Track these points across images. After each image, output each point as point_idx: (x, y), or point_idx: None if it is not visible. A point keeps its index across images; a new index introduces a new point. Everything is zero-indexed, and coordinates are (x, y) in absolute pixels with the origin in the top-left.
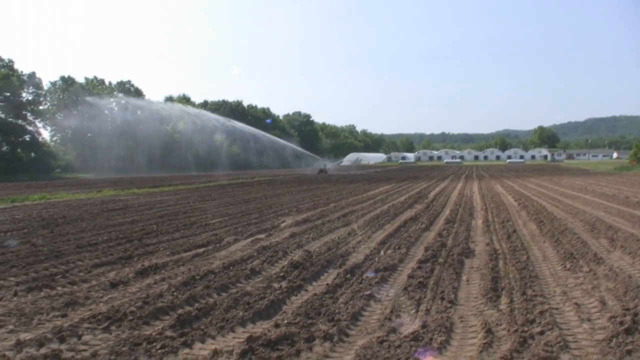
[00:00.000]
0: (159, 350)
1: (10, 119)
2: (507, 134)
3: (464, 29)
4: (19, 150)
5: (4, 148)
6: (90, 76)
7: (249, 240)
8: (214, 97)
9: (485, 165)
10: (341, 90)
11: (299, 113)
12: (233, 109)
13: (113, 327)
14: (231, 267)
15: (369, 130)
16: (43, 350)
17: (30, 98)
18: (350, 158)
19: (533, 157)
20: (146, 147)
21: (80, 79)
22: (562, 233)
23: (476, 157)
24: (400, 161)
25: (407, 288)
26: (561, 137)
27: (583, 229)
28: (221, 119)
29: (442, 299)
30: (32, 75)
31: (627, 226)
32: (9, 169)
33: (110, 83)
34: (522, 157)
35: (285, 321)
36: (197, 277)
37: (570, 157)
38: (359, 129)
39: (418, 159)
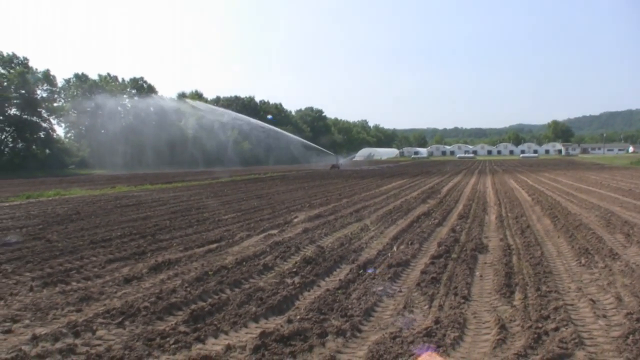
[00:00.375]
0: (173, 346)
1: (26, 116)
2: (521, 128)
3: (477, 22)
4: (33, 146)
5: (19, 144)
6: (104, 73)
7: (262, 235)
8: (227, 93)
9: (498, 160)
10: (354, 85)
11: (311, 108)
12: (245, 105)
13: (127, 322)
14: (244, 263)
15: (381, 126)
16: (58, 345)
17: (44, 95)
18: (362, 153)
19: (547, 151)
20: (159, 144)
21: (93, 76)
22: (577, 228)
23: (489, 152)
24: (412, 156)
25: (420, 284)
26: (576, 131)
27: (598, 224)
28: (232, 115)
29: (455, 294)
30: (46, 72)
31: None
32: (24, 165)
33: (123, 80)
34: (535, 151)
35: (298, 317)
36: (210, 273)
37: (585, 151)
38: (371, 124)
39: (431, 154)
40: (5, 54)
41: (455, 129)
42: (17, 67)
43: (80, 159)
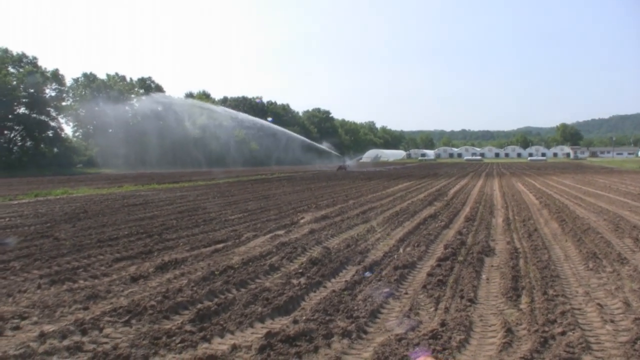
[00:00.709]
0: (179, 345)
1: (34, 115)
2: (529, 131)
3: (487, 23)
4: (42, 145)
5: (28, 143)
6: (112, 73)
7: (268, 236)
8: (234, 93)
9: (506, 163)
10: (361, 86)
11: (318, 109)
12: (253, 105)
13: (133, 321)
14: (250, 263)
15: (388, 127)
16: (65, 342)
17: (53, 94)
18: (369, 155)
19: (555, 154)
20: (166, 144)
21: (102, 75)
22: (585, 232)
23: (497, 155)
24: (419, 158)
25: (426, 286)
26: (584, 134)
27: (607, 228)
28: (240, 115)
29: (462, 297)
30: (55, 72)
31: None
32: (32, 163)
33: (131, 79)
34: (544, 154)
35: (304, 317)
36: (216, 273)
37: (593, 154)
38: (378, 125)
39: (438, 156)
40: (14, 53)
41: (463, 131)
42: (27, 67)
43: (87, 158)
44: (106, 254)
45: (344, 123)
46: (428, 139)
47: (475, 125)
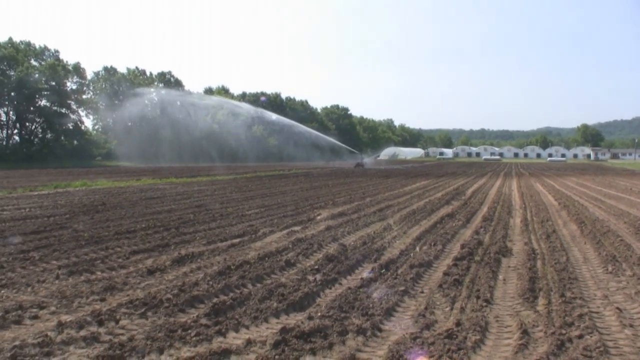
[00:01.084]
0: (194, 338)
1: (55, 108)
2: (549, 131)
3: (508, 23)
4: (62, 137)
5: (49, 135)
6: (132, 66)
7: (285, 232)
8: (253, 88)
9: (525, 163)
10: (380, 84)
11: (337, 106)
12: (271, 101)
13: (149, 313)
14: (266, 258)
15: (406, 125)
16: (82, 333)
17: (74, 87)
18: (387, 152)
19: (575, 155)
20: (184, 138)
21: (122, 69)
22: (605, 235)
23: (516, 155)
24: (437, 157)
25: (442, 285)
26: (606, 135)
27: (627, 232)
28: (259, 111)
29: (478, 297)
30: (76, 65)
31: None
32: (52, 155)
33: (151, 74)
34: (563, 155)
35: (319, 314)
36: (232, 267)
37: (615, 156)
38: (397, 123)
39: (456, 154)
40: (37, 47)
41: (482, 130)
42: (49, 60)
43: (106, 151)
44: (123, 246)
45: (362, 120)
46: (446, 138)
47: (494, 124)
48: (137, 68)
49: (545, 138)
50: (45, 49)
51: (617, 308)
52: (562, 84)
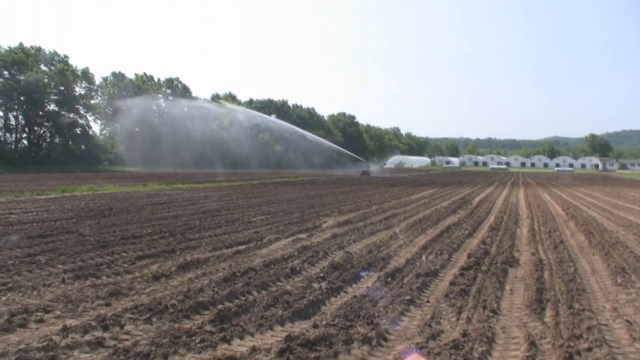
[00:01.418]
0: (198, 344)
1: (64, 112)
2: (556, 141)
3: (515, 32)
4: (70, 142)
5: (57, 140)
6: (140, 72)
7: (290, 239)
8: (260, 95)
9: (532, 173)
10: (387, 92)
11: (343, 114)
12: (278, 108)
13: (154, 319)
14: (272, 266)
15: (413, 133)
16: (87, 337)
17: (82, 92)
18: (393, 160)
19: (583, 165)
20: (191, 144)
21: (130, 74)
22: (613, 246)
23: (523, 164)
24: (444, 165)
25: (449, 295)
26: (614, 145)
27: (636, 243)
28: (266, 118)
29: (484, 307)
30: (85, 70)
31: None
32: (60, 160)
33: (159, 79)
34: (571, 165)
35: (324, 322)
36: (237, 274)
37: (623, 166)
38: (403, 131)
39: (463, 163)
40: (47, 52)
41: (489, 139)
42: (58, 65)
43: (113, 156)
44: (129, 252)
45: (368, 128)
46: (453, 147)
47: (501, 133)
48: (145, 74)
49: (552, 147)
50: (55, 54)
51: (627, 321)
52: (570, 93)
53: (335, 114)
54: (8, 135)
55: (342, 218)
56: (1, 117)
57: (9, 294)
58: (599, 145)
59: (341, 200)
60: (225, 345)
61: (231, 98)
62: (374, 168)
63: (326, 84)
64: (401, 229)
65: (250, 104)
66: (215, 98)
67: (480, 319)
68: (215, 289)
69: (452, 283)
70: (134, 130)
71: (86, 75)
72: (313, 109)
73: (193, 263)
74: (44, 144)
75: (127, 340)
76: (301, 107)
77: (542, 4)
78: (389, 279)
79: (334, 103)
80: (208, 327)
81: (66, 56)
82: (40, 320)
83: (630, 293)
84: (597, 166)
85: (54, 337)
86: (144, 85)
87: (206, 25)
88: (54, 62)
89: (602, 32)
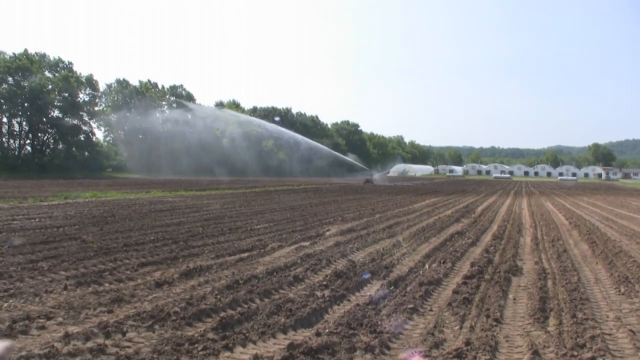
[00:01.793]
0: (201, 352)
1: (67, 119)
2: (560, 150)
3: (518, 41)
4: (73, 149)
5: (60, 146)
6: (144, 79)
7: (294, 247)
8: (264, 103)
9: (535, 182)
10: (390, 100)
11: (347, 122)
12: (282, 116)
13: (157, 326)
14: (275, 273)
15: (416, 142)
16: (89, 344)
17: (86, 99)
18: (397, 169)
19: (586, 175)
20: (194, 151)
21: (134, 81)
22: (617, 255)
23: (526, 173)
24: (447, 174)
25: (452, 303)
26: (617, 155)
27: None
28: (269, 126)
29: (488, 316)
30: (89, 77)
31: None
32: (63, 166)
33: (163, 87)
34: (574, 174)
35: (327, 330)
36: (240, 282)
37: (626, 176)
38: (407, 140)
39: (466, 172)
40: (52, 58)
41: (492, 148)
42: (62, 71)
43: (117, 163)
44: (132, 259)
45: (372, 136)
46: (456, 155)
47: (505, 142)
48: (149, 81)
49: (556, 157)
50: (60, 60)
51: (631, 330)
52: (573, 102)
53: (339, 122)
54: (12, 141)
55: (345, 226)
56: (5, 123)
57: (11, 300)
58: (602, 155)
59: (344, 208)
60: (227, 353)
61: (235, 105)
62: (377, 176)
63: (330, 92)
64: (404, 237)
65: (254, 111)
66: (219, 105)
67: (484, 328)
68: (218, 297)
69: (455, 292)
70: (137, 137)
71: (90, 82)
72: (317, 117)
73: (196, 270)
74: (48, 150)
75: (129, 347)
76: (305, 114)
77: (545, 12)
78: (392, 287)
79: (337, 111)
80: (210, 335)
81: (70, 63)
82: (42, 327)
83: (633, 302)
84: (600, 175)
85: (55, 344)
86: (147, 92)
87: (211, 33)
88: (58, 69)
89: (605, 41)
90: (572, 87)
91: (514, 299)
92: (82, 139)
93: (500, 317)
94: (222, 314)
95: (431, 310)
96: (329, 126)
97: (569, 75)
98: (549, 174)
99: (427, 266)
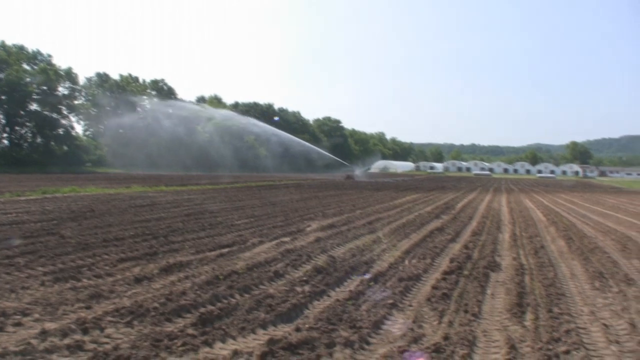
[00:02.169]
0: (180, 348)
1: (46, 113)
2: (539, 148)
3: (497, 37)
4: (52, 143)
5: (38, 140)
6: (125, 73)
7: (274, 242)
8: (246, 98)
9: (514, 179)
10: (372, 97)
11: (329, 118)
12: (264, 112)
13: (135, 322)
14: (255, 269)
15: (398, 139)
16: (66, 341)
17: (66, 93)
18: (378, 165)
19: (564, 172)
20: (175, 146)
21: (115, 75)
22: (592, 251)
23: (506, 170)
24: (428, 171)
25: (431, 299)
26: (595, 153)
27: (614, 248)
28: (251, 121)
29: (466, 311)
30: (69, 70)
31: None
32: (42, 160)
33: (144, 81)
34: (552, 172)
35: (307, 325)
36: (220, 277)
37: (603, 174)
38: (388, 136)
39: (446, 169)
40: (30, 50)
41: (473, 145)
42: (41, 64)
43: (97, 157)
44: (111, 254)
45: (354, 133)
46: (437, 152)
47: (485, 140)
48: (129, 75)
49: (534, 154)
50: (38, 53)
51: (604, 324)
52: (552, 101)
53: (321, 118)
54: None
55: (326, 222)
56: None
57: None
58: (580, 153)
59: (325, 204)
60: (207, 349)
61: (217, 100)
62: (358, 172)
63: (312, 88)
64: (385, 233)
65: (235, 106)
66: (201, 100)
67: (462, 323)
68: (198, 292)
69: (434, 287)
70: (117, 132)
71: (69, 75)
72: (299, 113)
73: (176, 266)
74: (25, 144)
75: (107, 343)
76: (287, 110)
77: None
78: (372, 283)
79: (320, 107)
80: (190, 331)
81: (50, 55)
82: (18, 324)
83: (607, 297)
84: (577, 173)
85: (32, 341)
86: (128, 86)
87: (192, 27)
88: (36, 61)
89: (584, 42)
90: (552, 87)
91: (492, 294)
92: (61, 132)
93: (478, 312)
94: (202, 310)
95: (411, 305)
96: (311, 122)
97: (550, 75)
98: (528, 172)
99: (407, 262)
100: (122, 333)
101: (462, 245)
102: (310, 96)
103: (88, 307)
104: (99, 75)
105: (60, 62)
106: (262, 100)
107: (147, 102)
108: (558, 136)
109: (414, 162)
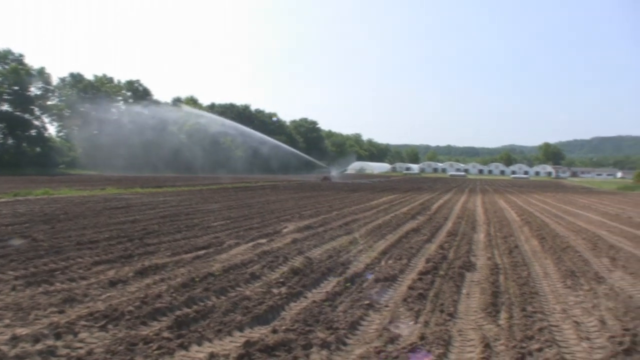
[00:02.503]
0: (155, 351)
1: (18, 113)
2: (513, 149)
3: (472, 40)
4: (24, 144)
5: (10, 141)
6: (100, 74)
7: (250, 244)
8: (222, 99)
9: (489, 180)
10: (349, 99)
11: (305, 119)
12: (240, 113)
13: (110, 326)
14: (231, 271)
15: (374, 140)
16: (38, 346)
17: (38, 93)
18: (354, 166)
19: (537, 173)
20: (151, 148)
21: (89, 76)
22: (564, 250)
23: (480, 171)
24: (404, 172)
25: (407, 299)
26: (566, 154)
27: (585, 247)
28: (227, 122)
29: (442, 311)
30: (41, 70)
31: (629, 246)
32: (13, 162)
33: (119, 81)
34: (526, 172)
35: (283, 327)
36: (196, 279)
37: (574, 174)
38: (364, 138)
39: (422, 170)
40: (0, 49)
41: (448, 146)
42: (12, 63)
43: (71, 159)
44: (85, 257)
45: (330, 134)
46: (413, 153)
47: (460, 141)
48: (104, 75)
49: (509, 155)
50: (9, 52)
51: (575, 321)
52: (525, 103)
53: (298, 119)
54: None
55: (302, 223)
56: None
57: None
58: (553, 154)
59: (302, 205)
60: (183, 352)
61: (193, 102)
62: (335, 174)
63: (288, 89)
64: (361, 235)
65: (212, 108)
66: (177, 101)
67: (438, 323)
68: (174, 295)
69: (410, 287)
70: (92, 133)
71: (42, 75)
72: (275, 114)
73: (151, 268)
74: None
75: (81, 348)
76: (263, 112)
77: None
78: (348, 284)
79: (296, 109)
80: (166, 334)
81: (21, 55)
82: None
83: (578, 295)
84: (550, 174)
85: (2, 347)
86: (103, 87)
87: (168, 28)
88: (7, 61)
89: (557, 44)
90: (525, 88)
91: (468, 294)
92: (34, 134)
93: (454, 311)
94: (178, 313)
95: (387, 306)
96: (288, 123)
97: (523, 77)
98: (502, 172)
99: (383, 263)
100: (96, 337)
101: (438, 246)
102: (287, 97)
103: (61, 312)
104: (72, 75)
105: (33, 62)
106: (239, 101)
107: (122, 103)
108: (531, 137)
109: (390, 163)
